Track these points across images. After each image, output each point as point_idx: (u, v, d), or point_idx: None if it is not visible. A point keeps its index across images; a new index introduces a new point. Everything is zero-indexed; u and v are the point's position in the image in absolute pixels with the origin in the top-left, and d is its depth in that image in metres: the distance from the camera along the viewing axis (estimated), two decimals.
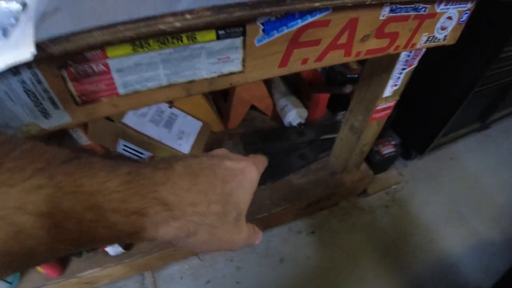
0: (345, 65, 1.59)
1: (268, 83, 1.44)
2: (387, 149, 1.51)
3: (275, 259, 1.36)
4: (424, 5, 0.66)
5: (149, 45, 0.42)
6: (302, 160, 1.25)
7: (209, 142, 1.31)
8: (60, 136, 1.10)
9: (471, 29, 1.19)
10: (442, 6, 0.70)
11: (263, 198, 1.16)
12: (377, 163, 1.45)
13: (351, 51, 0.62)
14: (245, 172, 0.29)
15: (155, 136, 1.11)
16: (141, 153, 1.16)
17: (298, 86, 1.47)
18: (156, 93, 0.48)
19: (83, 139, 1.07)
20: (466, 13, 0.79)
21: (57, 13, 0.32)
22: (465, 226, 1.55)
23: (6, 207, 0.17)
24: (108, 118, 0.99)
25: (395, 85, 0.91)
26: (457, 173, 1.79)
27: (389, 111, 1.02)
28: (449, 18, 0.76)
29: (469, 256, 1.46)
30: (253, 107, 1.43)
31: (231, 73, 0.51)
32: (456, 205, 1.62)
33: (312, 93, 1.33)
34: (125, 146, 1.09)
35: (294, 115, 1.34)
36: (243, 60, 0.50)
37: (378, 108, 0.98)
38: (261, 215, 1.11)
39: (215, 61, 0.48)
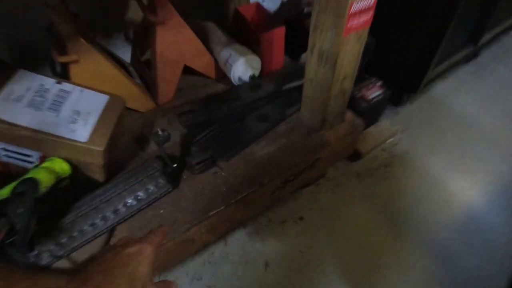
0: None
1: (203, 36, 1.08)
2: (374, 92, 1.18)
3: (258, 264, 1.01)
4: None
5: None
6: (263, 122, 0.89)
7: (134, 124, 0.94)
8: None
9: None
10: None
11: (216, 186, 0.80)
12: (364, 112, 1.11)
13: None
14: (141, 252, 0.38)
15: (33, 125, 0.73)
16: (28, 155, 0.78)
17: (243, 31, 1.10)
18: None
19: None
20: None
21: None
22: (483, 170, 1.24)
23: None
24: None
25: None
26: (457, 112, 1.47)
27: (369, 16, 0.68)
28: None
29: (497, 204, 1.14)
30: (190, 71, 1.06)
31: None
32: (464, 149, 1.30)
33: (262, 33, 0.98)
34: (5, 150, 0.72)
35: (242, 66, 0.98)
36: None
37: (353, 10, 0.63)
38: (216, 210, 0.75)
39: None
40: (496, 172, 1.23)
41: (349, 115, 0.96)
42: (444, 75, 1.60)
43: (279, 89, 0.94)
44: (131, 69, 1.11)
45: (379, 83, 1.22)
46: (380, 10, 0.90)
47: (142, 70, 1.10)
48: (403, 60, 1.29)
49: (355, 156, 1.23)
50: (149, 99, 1.02)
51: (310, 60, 0.78)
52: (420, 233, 1.08)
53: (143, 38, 1.08)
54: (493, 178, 1.22)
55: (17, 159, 0.80)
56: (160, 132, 0.74)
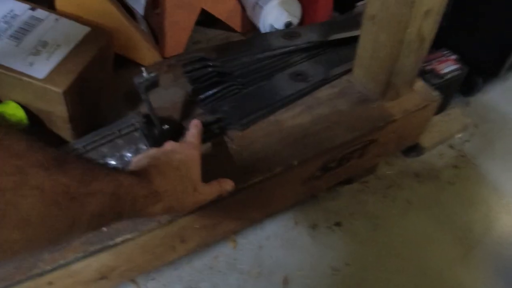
0: None
1: None
2: (448, 67, 0.89)
3: (274, 278, 0.75)
4: None
5: None
6: (298, 82, 0.63)
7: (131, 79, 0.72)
8: None
9: None
10: None
11: (221, 162, 0.55)
12: (436, 90, 0.82)
13: None
14: (189, 158, 0.45)
15: None
16: None
17: None
18: None
19: None
20: None
21: None
22: None
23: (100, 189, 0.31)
24: None
25: None
26: None
27: None
28: None
29: None
30: (210, 22, 0.83)
31: None
32: None
33: None
34: None
35: (276, 9, 0.72)
36: None
37: None
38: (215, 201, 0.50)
39: None
40: None
41: (420, 84, 0.68)
42: None
43: (325, 40, 0.67)
44: (139, 16, 0.89)
45: (453, 57, 0.93)
46: None
47: (149, 11, 0.88)
48: (483, 30, 0.99)
49: (415, 150, 0.94)
50: (153, 50, 0.79)
51: None
52: (497, 258, 0.80)
53: None
54: None
55: None
56: (144, 73, 0.50)
